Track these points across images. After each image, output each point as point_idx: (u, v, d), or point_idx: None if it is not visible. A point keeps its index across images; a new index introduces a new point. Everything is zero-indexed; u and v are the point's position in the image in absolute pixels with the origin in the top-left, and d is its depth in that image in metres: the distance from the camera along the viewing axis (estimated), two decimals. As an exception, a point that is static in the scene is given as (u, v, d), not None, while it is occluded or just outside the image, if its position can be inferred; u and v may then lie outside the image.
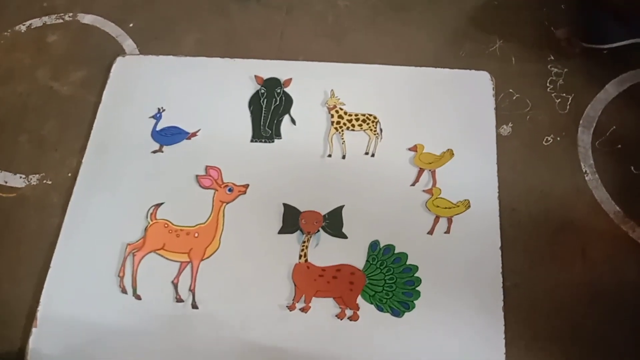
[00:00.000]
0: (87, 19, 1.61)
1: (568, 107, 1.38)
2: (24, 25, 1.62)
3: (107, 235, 1.28)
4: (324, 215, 1.26)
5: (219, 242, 1.25)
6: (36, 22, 1.62)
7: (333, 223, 1.25)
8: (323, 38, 1.54)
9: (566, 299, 1.18)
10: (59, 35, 1.59)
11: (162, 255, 1.24)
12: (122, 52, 1.53)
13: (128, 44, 1.56)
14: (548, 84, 1.41)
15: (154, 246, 1.25)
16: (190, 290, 1.21)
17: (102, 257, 1.25)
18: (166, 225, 1.26)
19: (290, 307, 1.18)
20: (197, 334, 1.18)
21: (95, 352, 1.18)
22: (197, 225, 1.27)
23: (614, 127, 1.34)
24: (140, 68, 1.49)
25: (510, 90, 1.41)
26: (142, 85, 1.46)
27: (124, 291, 1.22)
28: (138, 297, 1.21)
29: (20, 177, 1.39)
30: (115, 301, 1.21)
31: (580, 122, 1.36)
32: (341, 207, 1.27)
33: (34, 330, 1.20)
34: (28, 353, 1.18)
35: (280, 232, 1.26)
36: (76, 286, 1.23)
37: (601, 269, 1.20)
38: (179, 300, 1.21)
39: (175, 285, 1.22)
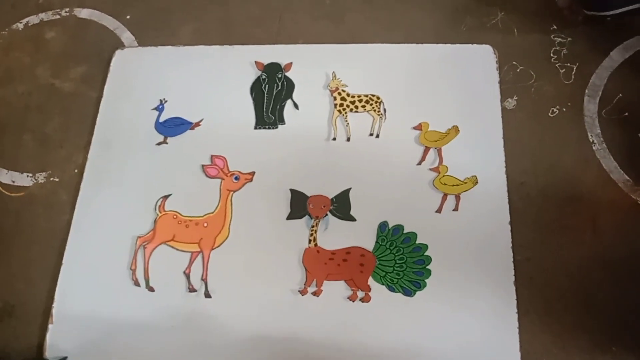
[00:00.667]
0: (83, 13, 1.60)
1: (573, 76, 1.36)
2: (20, 23, 1.61)
3: (117, 229, 1.28)
4: (332, 199, 1.26)
5: (229, 231, 1.26)
6: (33, 19, 1.61)
7: (341, 206, 1.25)
8: (322, 20, 1.52)
9: (578, 271, 1.18)
10: (56, 32, 1.58)
11: (172, 247, 1.25)
12: (120, 45, 1.53)
13: (126, 36, 1.54)
14: (552, 54, 1.39)
15: (164, 238, 1.26)
16: (202, 279, 1.22)
17: (113, 251, 1.27)
18: (175, 217, 1.27)
19: (302, 292, 1.19)
20: (211, 322, 1.19)
21: (111, 345, 1.20)
22: (205, 215, 1.27)
23: (620, 94, 1.33)
24: (140, 60, 1.49)
25: (514, 62, 1.39)
26: (143, 77, 1.46)
27: (136, 284, 1.23)
28: (151, 289, 1.23)
29: (28, 176, 1.40)
30: (128, 294, 1.22)
31: (586, 91, 1.34)
32: (348, 190, 1.27)
33: (50, 326, 1.21)
34: (46, 349, 1.20)
35: (288, 217, 1.26)
36: (89, 281, 1.25)
37: (612, 238, 1.20)
38: (192, 290, 1.22)
39: (188, 276, 1.22)
